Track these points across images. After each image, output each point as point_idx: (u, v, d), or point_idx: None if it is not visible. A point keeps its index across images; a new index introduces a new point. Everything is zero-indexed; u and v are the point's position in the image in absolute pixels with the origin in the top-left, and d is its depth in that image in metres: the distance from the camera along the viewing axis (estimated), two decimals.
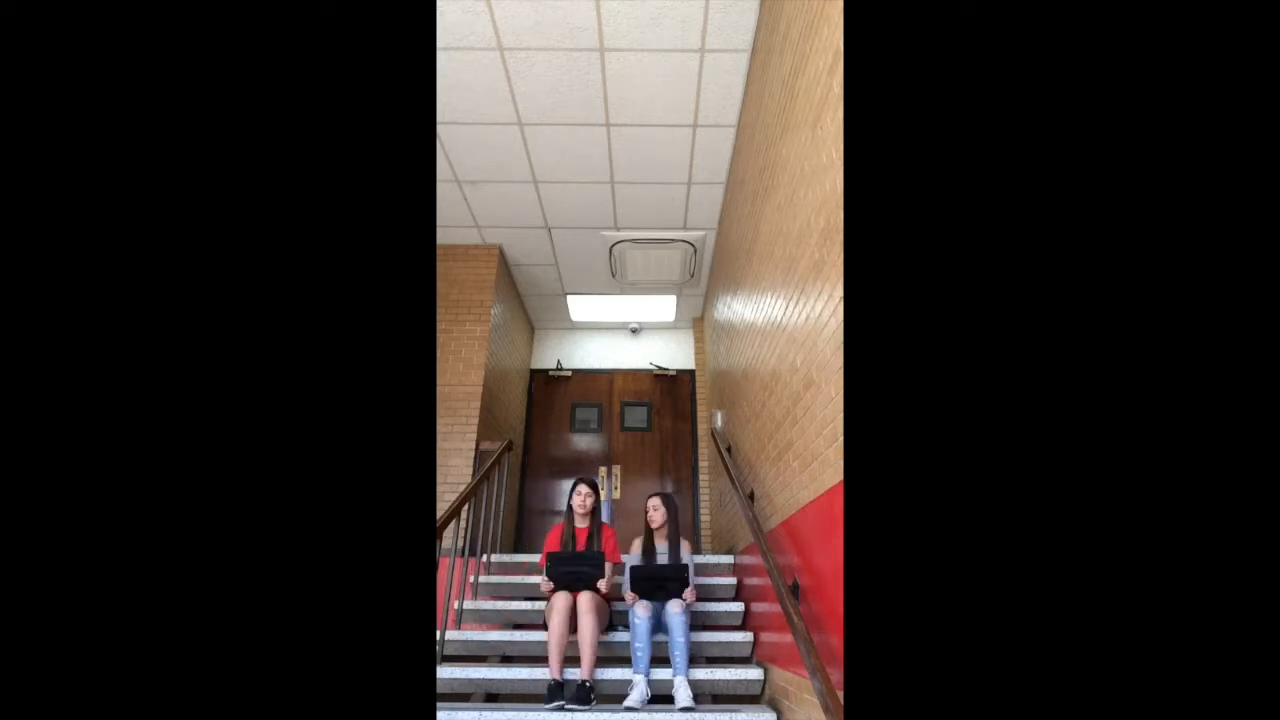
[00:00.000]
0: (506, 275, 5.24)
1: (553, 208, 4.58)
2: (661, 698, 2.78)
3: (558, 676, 2.65)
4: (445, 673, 2.74)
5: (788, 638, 2.31)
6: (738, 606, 3.32)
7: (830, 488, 1.84)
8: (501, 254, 5.04)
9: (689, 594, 2.91)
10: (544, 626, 2.99)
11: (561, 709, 2.51)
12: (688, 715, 2.45)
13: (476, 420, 4.48)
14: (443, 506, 4.01)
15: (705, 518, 5.42)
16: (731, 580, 3.59)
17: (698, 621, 3.32)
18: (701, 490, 5.58)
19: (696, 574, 3.77)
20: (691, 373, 6.06)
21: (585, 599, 2.84)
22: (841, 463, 1.70)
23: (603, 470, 5.75)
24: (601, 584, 3.00)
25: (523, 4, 3.08)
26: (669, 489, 5.72)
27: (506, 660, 3.15)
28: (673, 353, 6.18)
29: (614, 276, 5.33)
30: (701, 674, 2.74)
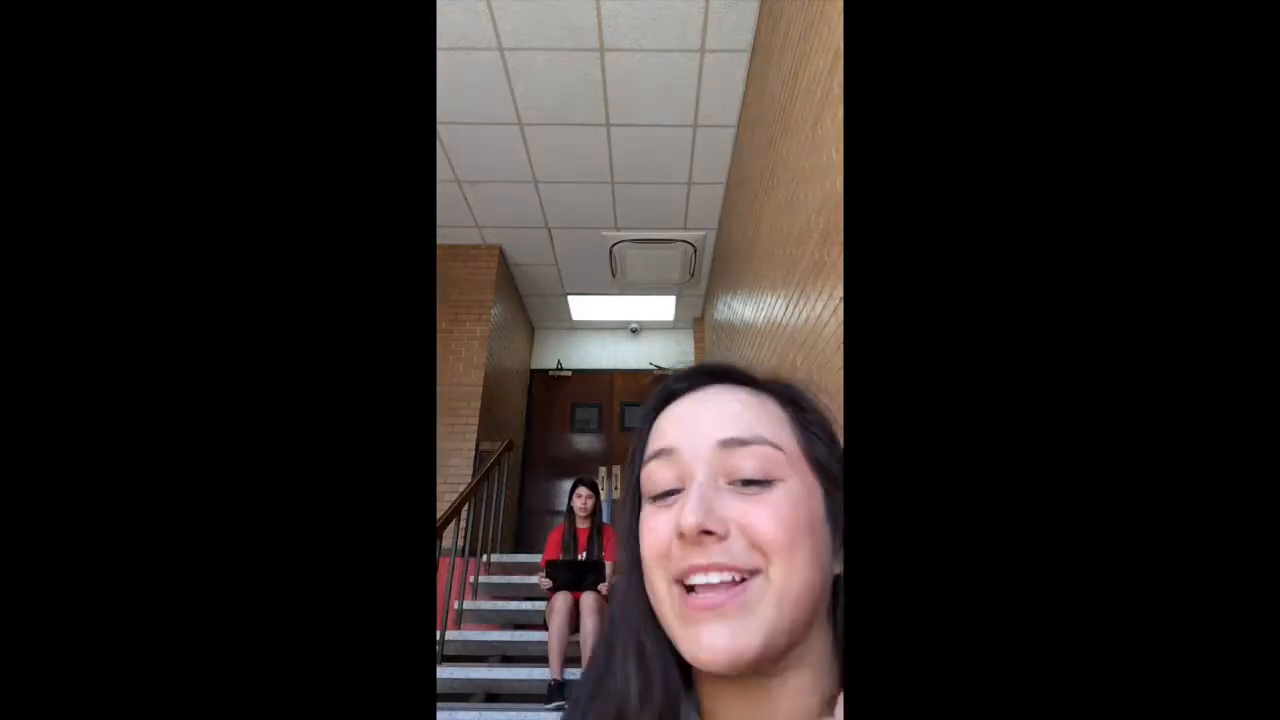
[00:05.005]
0: (506, 275, 5.23)
1: (553, 208, 4.58)
2: None
3: (558, 676, 2.65)
4: (445, 673, 2.74)
5: None
6: None
7: None
8: (501, 254, 5.03)
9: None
10: (544, 626, 2.99)
11: (561, 709, 2.51)
12: None
13: (476, 420, 4.48)
14: (443, 506, 4.01)
15: None
16: None
17: None
18: None
19: None
20: None
21: (589, 599, 2.84)
22: None
23: (603, 470, 5.74)
24: (603, 587, 3.00)
25: (523, 4, 3.08)
26: None
27: (506, 660, 3.15)
28: (673, 353, 6.18)
29: (614, 276, 5.33)
30: None
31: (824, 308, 1.95)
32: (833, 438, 0.41)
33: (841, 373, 1.73)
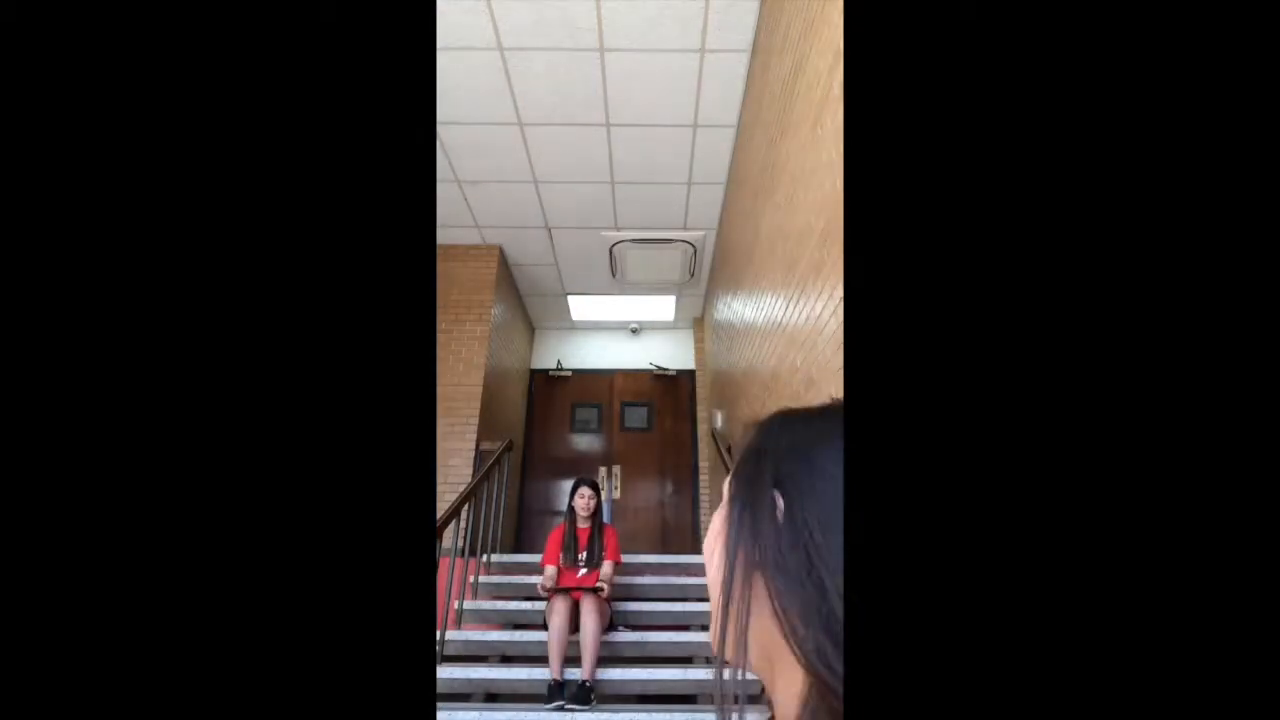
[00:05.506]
0: (506, 275, 5.23)
1: (553, 208, 4.58)
2: (672, 697, 2.79)
3: (558, 676, 2.65)
4: (445, 673, 2.74)
5: None
6: None
7: None
8: (501, 254, 5.03)
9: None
10: (544, 626, 3.00)
11: (561, 709, 2.51)
12: (688, 715, 2.45)
13: (476, 420, 4.48)
14: (443, 506, 4.01)
15: (705, 518, 5.42)
16: None
17: (697, 621, 3.32)
18: (701, 490, 5.58)
19: (698, 574, 3.78)
20: (691, 373, 6.06)
21: (588, 600, 2.84)
22: None
23: (603, 470, 5.75)
24: (604, 589, 3.01)
25: (523, 4, 3.08)
26: (669, 489, 5.72)
27: (506, 660, 3.15)
28: (673, 353, 6.18)
29: (614, 276, 5.33)
30: (701, 674, 2.74)
31: (824, 308, 1.95)
32: (759, 431, 0.42)
33: (841, 373, 1.73)
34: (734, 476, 0.42)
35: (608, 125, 3.83)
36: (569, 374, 6.11)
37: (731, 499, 0.41)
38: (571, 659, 2.76)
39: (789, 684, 0.35)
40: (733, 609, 0.37)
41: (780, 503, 0.37)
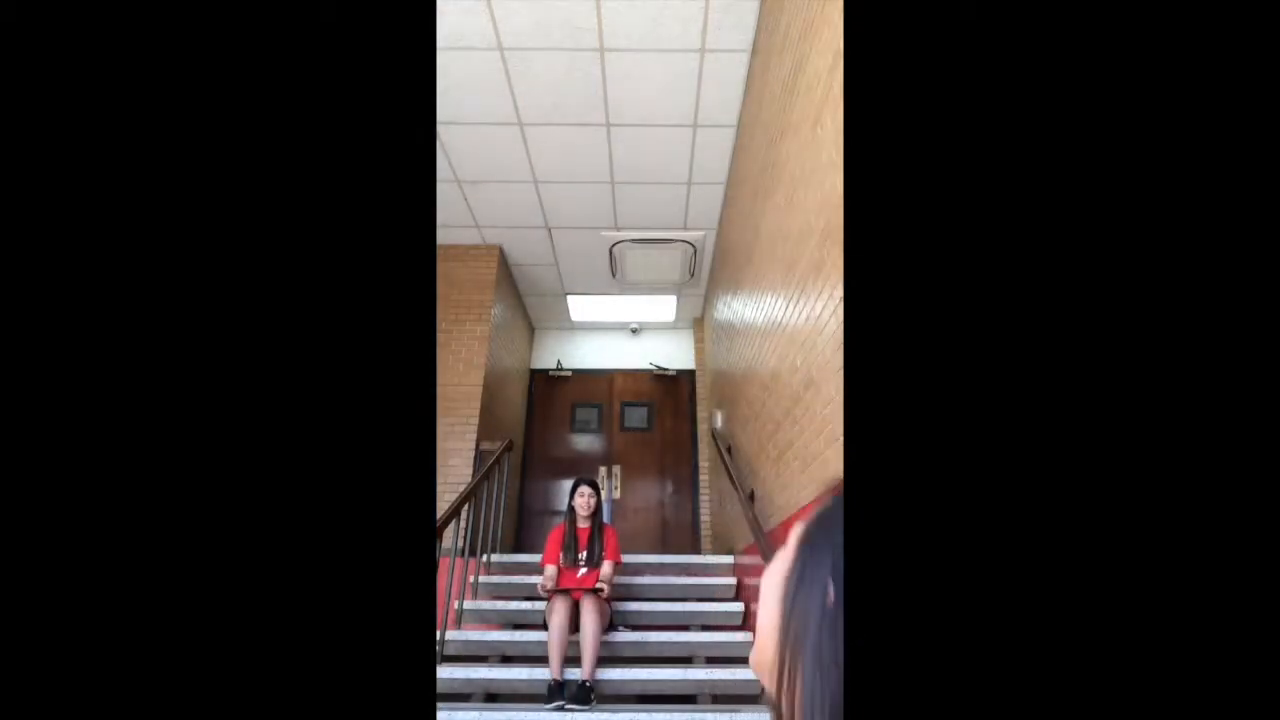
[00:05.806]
0: (506, 275, 5.23)
1: (553, 208, 4.58)
2: (672, 697, 2.79)
3: (558, 676, 2.65)
4: (445, 673, 2.74)
5: None
6: (737, 606, 3.32)
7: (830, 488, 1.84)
8: (501, 254, 5.03)
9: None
10: (544, 626, 3.00)
11: (561, 709, 2.51)
12: (688, 715, 2.45)
13: (476, 420, 4.48)
14: (443, 506, 4.01)
15: (705, 518, 5.42)
16: (731, 580, 3.59)
17: (697, 621, 3.32)
18: (701, 490, 5.58)
19: (698, 573, 3.78)
20: (691, 373, 6.06)
21: (588, 600, 2.84)
22: (841, 463, 1.70)
23: (603, 470, 5.75)
24: (604, 589, 3.01)
25: (523, 4, 3.08)
26: (669, 489, 5.72)
27: (506, 660, 3.15)
28: (673, 353, 6.18)
29: (614, 276, 5.33)
30: (701, 674, 2.74)
31: (824, 308, 1.96)
32: None
33: (841, 373, 1.73)
34: (805, 531, 0.40)
35: (608, 125, 3.83)
36: (569, 374, 6.11)
37: (796, 554, 0.39)
38: (571, 659, 2.76)
39: None
40: (786, 661, 0.35)
41: (831, 591, 0.35)
